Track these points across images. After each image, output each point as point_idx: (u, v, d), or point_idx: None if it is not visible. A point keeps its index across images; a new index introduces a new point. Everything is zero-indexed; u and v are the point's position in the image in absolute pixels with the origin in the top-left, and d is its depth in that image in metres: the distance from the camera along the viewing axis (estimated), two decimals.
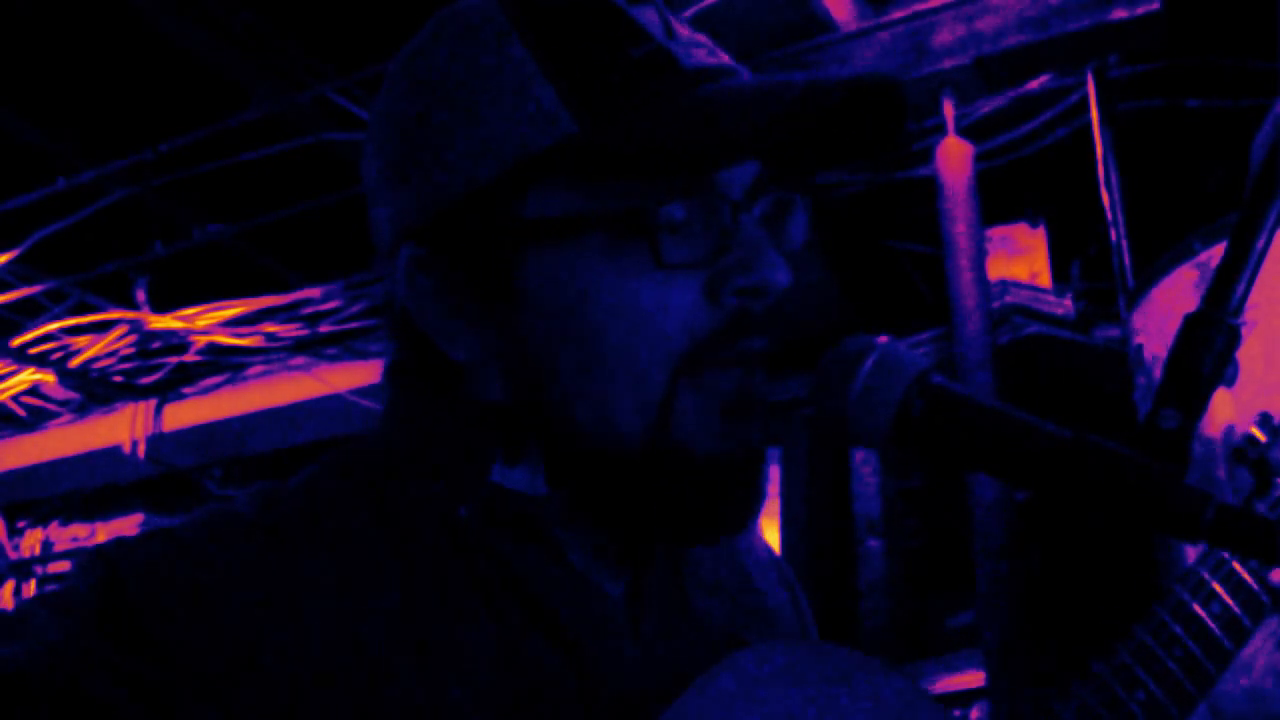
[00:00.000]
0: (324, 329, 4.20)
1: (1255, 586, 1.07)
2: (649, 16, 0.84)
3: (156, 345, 4.44)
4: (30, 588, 5.24)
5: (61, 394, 4.70)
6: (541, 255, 0.82)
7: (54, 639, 0.72)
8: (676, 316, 0.80)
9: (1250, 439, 1.15)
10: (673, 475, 0.82)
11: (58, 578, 5.22)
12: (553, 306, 0.82)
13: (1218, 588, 1.08)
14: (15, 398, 4.67)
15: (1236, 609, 1.07)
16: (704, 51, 0.84)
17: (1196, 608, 1.07)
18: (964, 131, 3.06)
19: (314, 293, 4.13)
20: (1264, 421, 1.15)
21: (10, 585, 5.21)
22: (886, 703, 0.88)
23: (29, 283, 4.21)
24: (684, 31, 0.85)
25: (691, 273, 0.81)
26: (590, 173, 0.80)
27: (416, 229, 0.85)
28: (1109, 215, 3.00)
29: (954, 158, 2.97)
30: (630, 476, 0.82)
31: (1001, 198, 3.27)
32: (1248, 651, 1.10)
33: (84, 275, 4.18)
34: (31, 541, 5.36)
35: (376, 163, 0.88)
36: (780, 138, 0.80)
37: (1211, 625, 1.06)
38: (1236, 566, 1.09)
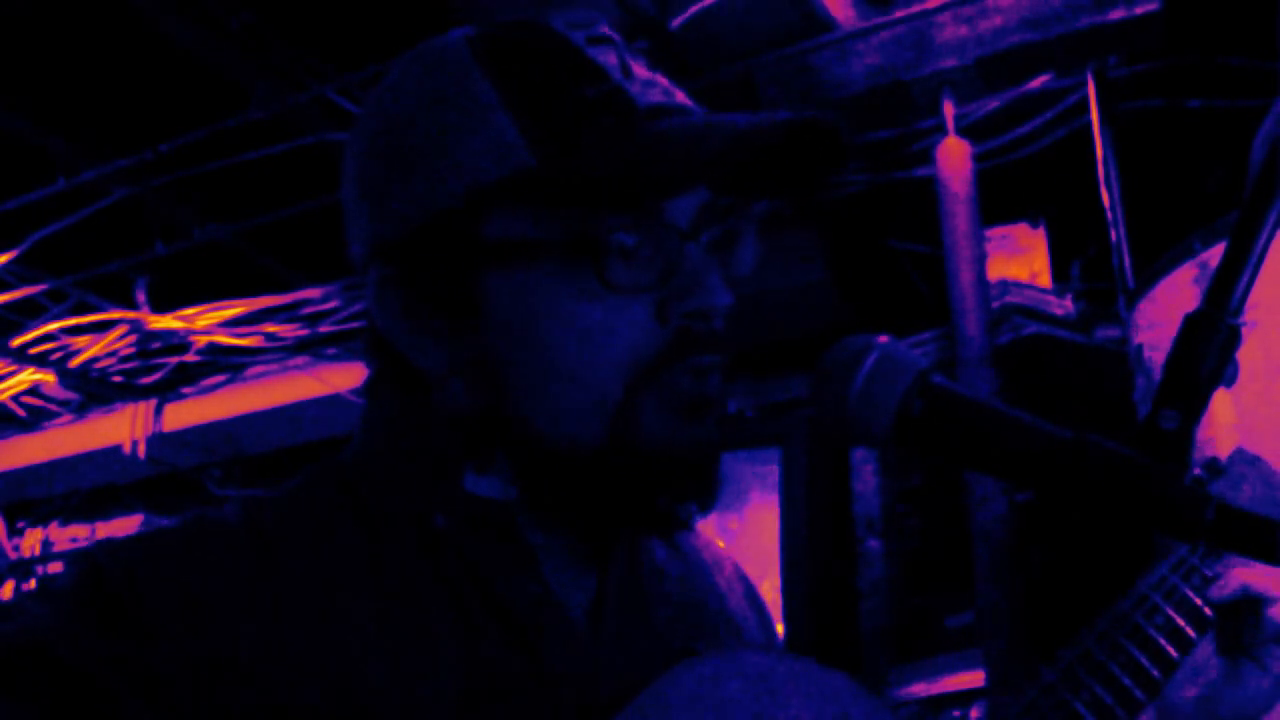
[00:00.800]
0: (324, 329, 4.20)
1: (1199, 603, 1.10)
2: (607, 58, 0.89)
3: (156, 345, 4.43)
4: (30, 588, 5.24)
5: (61, 394, 4.70)
6: (500, 276, 0.87)
7: (44, 622, 0.77)
8: (624, 337, 0.86)
9: (1197, 479, 1.20)
10: (631, 470, 0.86)
11: (57, 578, 5.21)
12: (511, 323, 0.87)
13: (1160, 603, 1.10)
14: (15, 398, 4.66)
15: (1179, 620, 1.09)
16: (658, 91, 0.90)
17: (1139, 619, 1.09)
18: (964, 131, 3.06)
19: (314, 293, 4.13)
20: (1210, 464, 1.21)
21: (10, 585, 5.21)
22: (835, 709, 0.89)
23: (29, 283, 4.21)
24: (642, 72, 0.91)
25: (640, 296, 0.86)
26: (545, 201, 0.86)
27: (386, 249, 0.90)
28: (1109, 215, 3.00)
29: (954, 158, 2.97)
30: (591, 475, 0.87)
31: (1001, 198, 3.27)
32: (1198, 659, 1.12)
33: (84, 275, 4.18)
34: (31, 541, 5.36)
35: (351, 186, 0.94)
36: (720, 171, 0.87)
37: (1154, 634, 1.08)
38: (1181, 586, 1.11)
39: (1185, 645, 1.08)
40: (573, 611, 0.90)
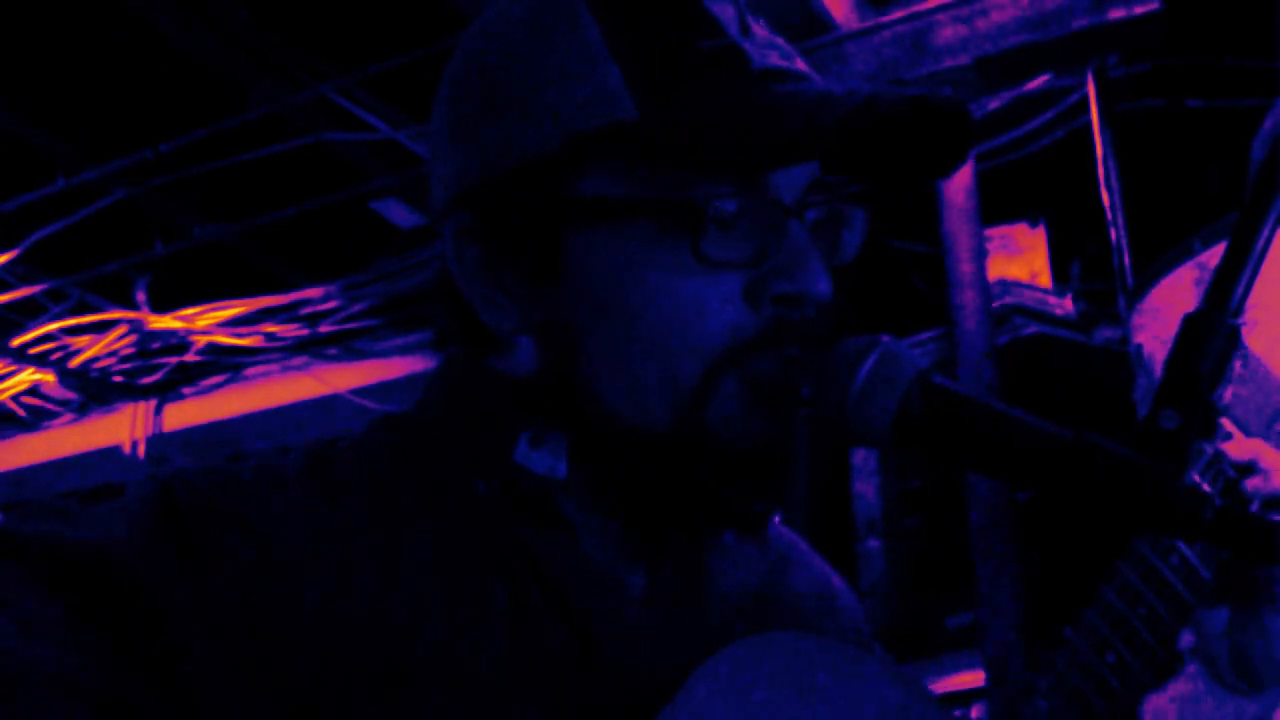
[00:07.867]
0: (324, 329, 4.20)
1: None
2: (726, 12, 0.84)
3: (156, 345, 4.44)
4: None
5: (61, 394, 4.70)
6: (586, 235, 0.82)
7: (120, 534, 0.74)
8: (714, 316, 0.80)
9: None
10: (697, 461, 0.82)
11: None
12: (592, 287, 0.82)
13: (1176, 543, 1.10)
14: (15, 398, 4.67)
15: (1193, 560, 1.07)
16: (777, 54, 0.85)
17: (1156, 562, 1.07)
18: None
19: (314, 293, 4.13)
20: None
21: None
22: (884, 702, 0.88)
23: (29, 283, 4.21)
24: (761, 33, 0.86)
25: (733, 272, 0.81)
26: (644, 158, 0.81)
27: (469, 195, 0.86)
28: (1109, 215, 3.00)
29: None
30: (653, 459, 0.82)
31: (1001, 198, 3.27)
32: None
33: (84, 275, 4.19)
34: None
35: (442, 120, 0.89)
36: (836, 142, 0.78)
37: (1170, 577, 1.07)
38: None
39: (1199, 587, 1.06)
40: (621, 592, 0.86)
